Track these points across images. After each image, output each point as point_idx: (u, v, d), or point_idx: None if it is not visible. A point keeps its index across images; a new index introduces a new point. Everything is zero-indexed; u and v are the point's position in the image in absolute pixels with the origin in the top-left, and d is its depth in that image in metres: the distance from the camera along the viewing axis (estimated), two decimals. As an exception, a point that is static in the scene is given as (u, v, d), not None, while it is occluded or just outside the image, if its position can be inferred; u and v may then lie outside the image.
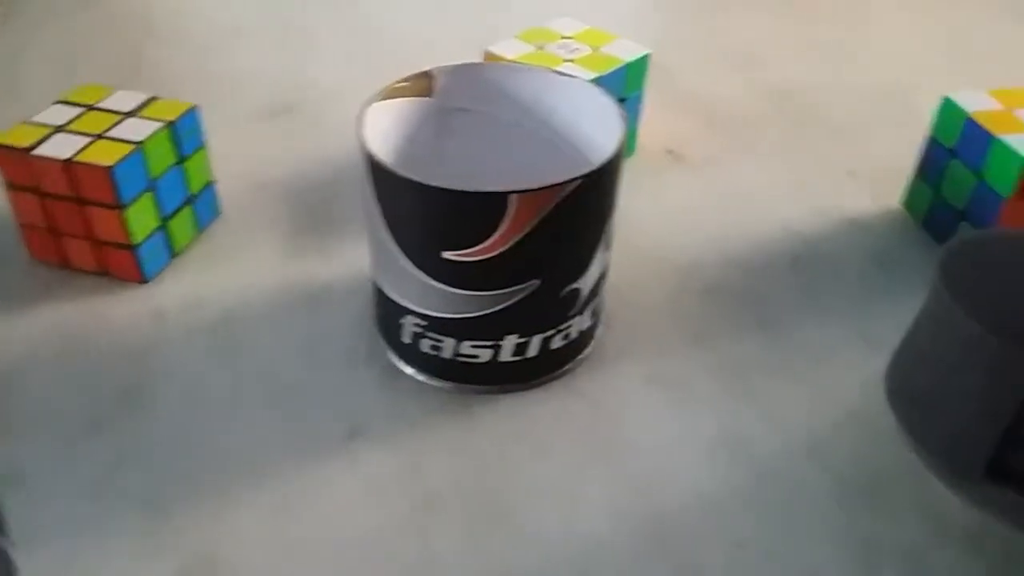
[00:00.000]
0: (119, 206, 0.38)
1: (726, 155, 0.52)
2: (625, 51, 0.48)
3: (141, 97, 0.42)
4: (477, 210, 0.30)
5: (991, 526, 0.31)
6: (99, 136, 0.39)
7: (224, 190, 0.45)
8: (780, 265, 0.43)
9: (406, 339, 0.35)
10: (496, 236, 0.30)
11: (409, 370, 0.36)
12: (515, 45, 0.48)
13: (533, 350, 0.34)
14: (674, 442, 0.34)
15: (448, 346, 0.34)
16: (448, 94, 0.36)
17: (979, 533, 0.31)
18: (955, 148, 0.43)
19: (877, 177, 0.50)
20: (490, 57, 0.47)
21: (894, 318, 0.40)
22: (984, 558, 0.30)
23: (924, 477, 0.32)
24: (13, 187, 0.39)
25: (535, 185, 0.30)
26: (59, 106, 0.41)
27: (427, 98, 0.36)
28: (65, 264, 0.41)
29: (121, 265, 0.40)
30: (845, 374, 0.37)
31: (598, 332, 0.37)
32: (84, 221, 0.39)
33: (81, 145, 0.38)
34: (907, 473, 0.33)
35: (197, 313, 0.39)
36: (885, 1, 0.73)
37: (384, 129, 0.35)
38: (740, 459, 0.33)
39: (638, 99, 0.49)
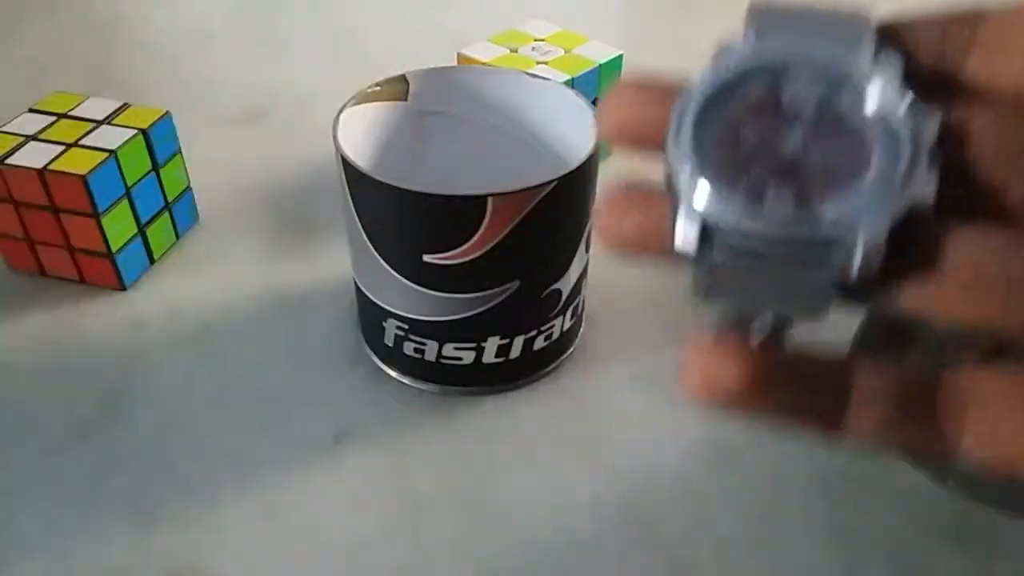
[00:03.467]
0: (95, 214, 0.38)
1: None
2: (598, 52, 0.48)
3: (113, 104, 0.41)
4: (455, 214, 0.30)
5: (974, 518, 0.32)
6: (72, 145, 0.39)
7: (201, 196, 0.45)
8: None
9: (389, 342, 0.35)
10: (475, 239, 0.31)
11: (393, 373, 0.36)
12: (488, 48, 0.48)
13: (516, 351, 0.34)
14: (659, 439, 0.34)
15: (431, 348, 0.34)
16: (423, 98, 0.37)
17: (962, 525, 0.31)
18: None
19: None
20: (463, 60, 0.47)
21: (868, 311, 0.41)
22: (967, 550, 0.31)
23: (907, 470, 0.33)
24: (-13, 198, 0.39)
25: (513, 187, 0.30)
26: (30, 115, 0.41)
27: (402, 102, 0.36)
28: (42, 273, 0.41)
29: (99, 273, 0.40)
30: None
31: (581, 332, 0.38)
32: (60, 230, 0.39)
33: (54, 154, 0.38)
34: (890, 466, 0.33)
35: (177, 319, 0.39)
36: (852, -2, 0.74)
37: (359, 134, 0.35)
38: (725, 455, 0.34)
39: (612, 99, 0.49)
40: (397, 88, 0.36)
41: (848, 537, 0.31)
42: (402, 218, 0.31)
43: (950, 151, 0.15)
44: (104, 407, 0.35)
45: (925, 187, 0.14)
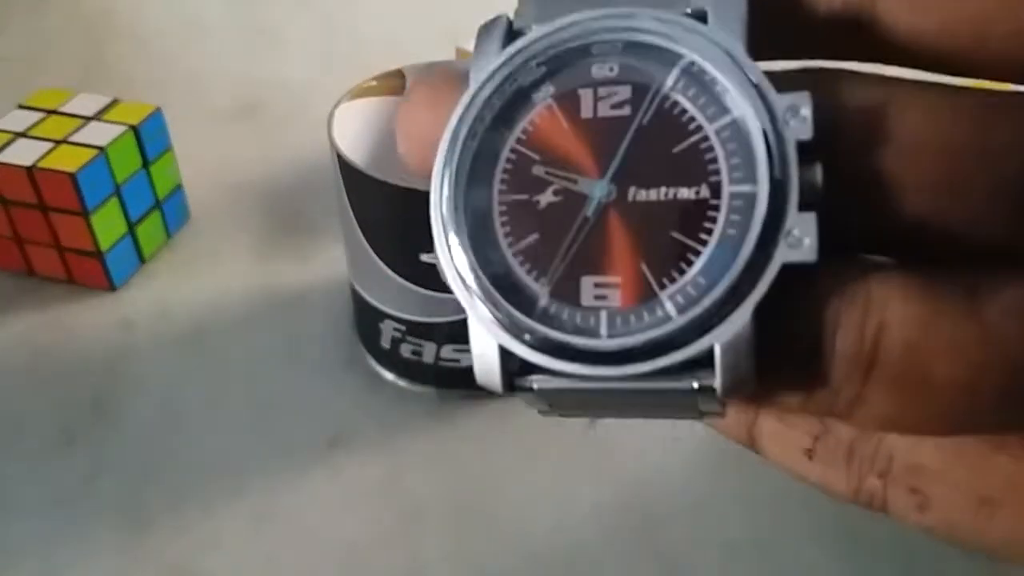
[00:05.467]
0: (84, 213, 0.37)
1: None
2: (598, 46, 0.47)
3: (103, 100, 0.40)
4: (455, 211, 0.29)
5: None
6: (61, 141, 0.38)
7: (193, 194, 0.44)
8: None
9: (386, 344, 0.34)
10: (475, 237, 0.30)
11: (390, 375, 0.35)
12: (487, 41, 0.47)
13: (514, 352, 0.34)
14: (662, 442, 0.34)
15: (429, 350, 0.33)
16: (421, 93, 0.36)
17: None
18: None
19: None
20: (462, 54, 0.46)
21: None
22: (978, 555, 0.30)
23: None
24: (-27, 196, 0.38)
25: (514, 185, 0.29)
26: (19, 111, 0.40)
27: (398, 97, 0.36)
28: (31, 273, 0.40)
29: (88, 273, 0.39)
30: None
31: (579, 331, 0.37)
32: (49, 229, 0.38)
33: (43, 151, 0.37)
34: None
35: (168, 320, 0.38)
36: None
37: (355, 129, 0.34)
38: (729, 458, 0.33)
39: (612, 94, 0.49)
40: (394, 83, 0.35)
41: (857, 541, 0.30)
42: (399, 216, 0.30)
43: (846, 164, 0.10)
44: (93, 409, 0.34)
45: (802, 238, 0.09)
